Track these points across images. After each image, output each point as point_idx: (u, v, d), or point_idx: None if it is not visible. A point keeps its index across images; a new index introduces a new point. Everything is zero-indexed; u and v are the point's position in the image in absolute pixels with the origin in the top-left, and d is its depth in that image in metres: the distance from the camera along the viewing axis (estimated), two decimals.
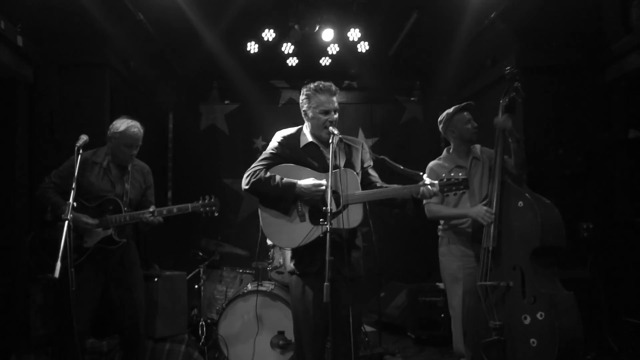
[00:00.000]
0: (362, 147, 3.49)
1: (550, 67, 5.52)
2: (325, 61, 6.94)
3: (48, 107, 5.16)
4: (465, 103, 4.30)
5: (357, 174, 3.34)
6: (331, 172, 3.05)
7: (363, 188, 3.32)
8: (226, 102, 7.58)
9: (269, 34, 6.28)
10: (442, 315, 5.49)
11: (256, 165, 3.35)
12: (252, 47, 6.49)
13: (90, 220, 3.72)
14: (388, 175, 3.56)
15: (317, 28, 6.09)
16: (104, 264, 3.83)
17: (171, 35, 6.08)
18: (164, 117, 7.40)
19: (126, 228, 3.95)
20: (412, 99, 7.77)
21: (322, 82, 3.35)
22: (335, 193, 3.15)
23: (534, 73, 5.43)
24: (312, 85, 3.36)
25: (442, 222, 4.34)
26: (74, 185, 3.21)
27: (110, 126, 3.93)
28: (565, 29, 5.40)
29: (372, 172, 3.50)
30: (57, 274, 2.84)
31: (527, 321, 3.42)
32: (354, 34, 6.31)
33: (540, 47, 5.48)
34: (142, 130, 3.95)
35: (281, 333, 4.63)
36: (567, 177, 5.39)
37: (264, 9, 5.87)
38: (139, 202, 4.02)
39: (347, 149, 3.41)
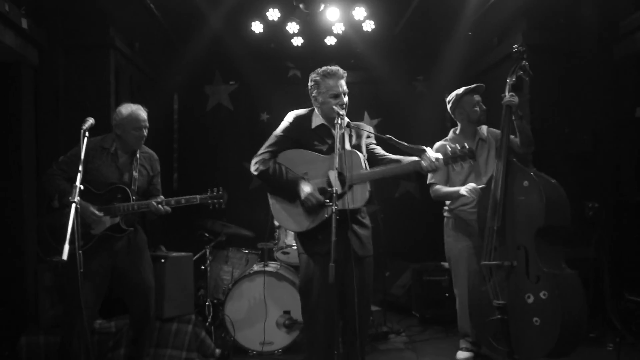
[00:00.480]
0: (369, 131, 3.55)
1: (557, 45, 5.47)
2: (330, 40, 6.89)
3: (53, 90, 5.16)
4: (475, 85, 4.29)
5: (364, 154, 3.39)
6: (337, 153, 3.09)
7: (372, 164, 3.38)
8: (231, 82, 7.56)
9: (273, 14, 6.24)
10: (447, 294, 5.52)
11: (264, 151, 3.42)
12: (257, 26, 6.46)
13: (97, 212, 3.73)
14: (394, 153, 3.55)
15: (322, 7, 6.05)
16: (112, 248, 3.85)
17: (175, 16, 6.06)
18: (168, 98, 7.38)
19: (133, 216, 3.95)
20: (417, 78, 7.71)
21: (330, 67, 3.40)
22: (340, 175, 3.20)
23: (541, 51, 5.37)
24: (320, 70, 3.42)
25: (447, 203, 4.36)
26: (80, 168, 3.21)
27: (114, 115, 3.90)
28: (572, 6, 5.34)
29: (375, 146, 3.55)
30: (65, 256, 2.85)
31: (531, 300, 3.46)
32: (359, 12, 6.27)
33: (547, 25, 5.42)
34: (146, 112, 3.95)
35: (287, 312, 4.69)
36: (573, 155, 5.37)
37: None
38: (146, 190, 4.02)
39: (355, 133, 3.48)
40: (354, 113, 7.05)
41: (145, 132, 3.94)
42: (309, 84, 3.45)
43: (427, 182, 4.32)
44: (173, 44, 6.82)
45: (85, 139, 3.31)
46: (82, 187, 3.15)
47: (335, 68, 3.40)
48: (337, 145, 3.11)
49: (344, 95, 3.38)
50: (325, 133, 3.42)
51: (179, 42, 6.79)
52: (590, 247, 4.80)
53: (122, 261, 3.90)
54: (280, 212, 3.43)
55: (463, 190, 3.99)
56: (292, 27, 6.46)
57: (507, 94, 3.86)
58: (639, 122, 5.13)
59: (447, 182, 4.32)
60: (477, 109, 4.25)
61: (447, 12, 6.05)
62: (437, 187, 4.25)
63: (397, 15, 6.43)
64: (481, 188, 3.91)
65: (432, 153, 3.17)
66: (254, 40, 6.66)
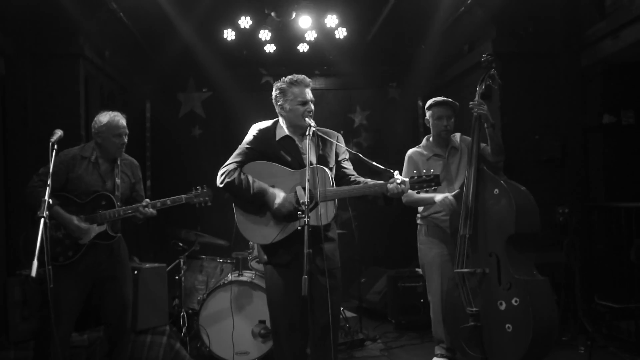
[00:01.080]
0: (337, 139, 3.46)
1: (526, 53, 5.56)
2: (303, 47, 6.91)
3: (21, 99, 5.07)
4: (442, 99, 4.29)
5: (331, 168, 3.36)
6: (308, 166, 3.04)
7: (337, 181, 3.36)
8: (204, 89, 7.52)
9: (245, 21, 6.24)
10: (422, 300, 5.56)
11: (230, 162, 3.38)
12: (229, 34, 6.44)
13: (81, 225, 3.68)
14: (361, 170, 3.56)
15: (294, 15, 6.06)
16: (97, 258, 3.81)
17: (146, 24, 6.01)
18: (141, 106, 7.30)
19: (118, 222, 3.92)
20: (390, 84, 7.78)
21: (296, 75, 3.36)
22: (309, 191, 3.11)
23: (510, 59, 5.46)
24: (285, 79, 3.36)
25: (420, 210, 4.39)
26: (49, 182, 3.16)
27: (93, 123, 3.84)
28: (540, 15, 5.44)
29: (346, 164, 3.50)
30: (34, 272, 2.79)
31: (503, 307, 3.49)
32: (331, 20, 6.30)
33: (516, 33, 5.52)
34: (124, 119, 3.91)
35: (262, 322, 4.65)
36: (544, 162, 5.46)
37: None
38: (129, 196, 3.97)
39: (322, 143, 3.40)
40: (329, 119, 7.09)
41: (126, 139, 3.89)
42: (274, 93, 3.40)
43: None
44: (144, 52, 6.76)
45: (54, 151, 3.27)
46: (55, 206, 3.09)
47: (301, 76, 3.36)
48: (308, 159, 3.07)
49: (312, 103, 3.35)
50: (289, 145, 3.37)
51: (151, 50, 6.74)
52: (561, 252, 4.88)
53: (104, 271, 3.85)
54: (245, 224, 3.37)
55: (438, 198, 4.00)
56: (265, 34, 6.47)
57: (476, 102, 3.90)
58: (606, 128, 5.24)
59: None
60: (441, 122, 4.26)
61: (418, 20, 6.12)
62: (410, 192, 4.25)
63: (369, 22, 6.49)
64: (454, 196, 3.94)
65: (398, 177, 3.15)
66: (226, 48, 6.64)
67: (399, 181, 3.13)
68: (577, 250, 4.91)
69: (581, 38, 5.30)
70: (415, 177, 3.22)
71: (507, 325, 3.46)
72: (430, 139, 4.42)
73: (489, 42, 5.56)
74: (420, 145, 4.45)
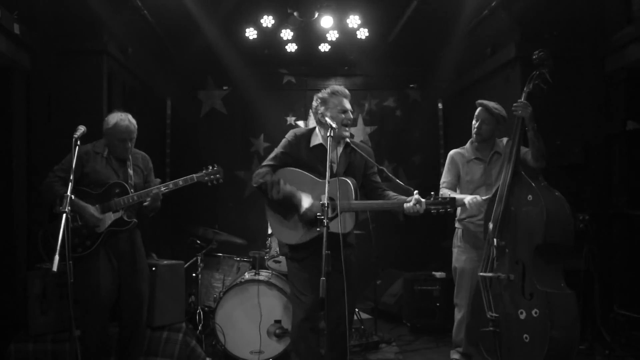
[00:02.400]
0: (368, 152, 3.67)
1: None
2: (324, 47, 6.91)
3: (45, 95, 5.13)
4: (482, 101, 4.24)
5: (358, 180, 3.55)
6: (328, 172, 3.19)
7: (368, 193, 3.62)
8: (224, 87, 7.55)
9: (267, 21, 6.26)
10: (438, 304, 5.54)
11: (264, 165, 3.57)
12: (251, 33, 6.47)
13: (96, 214, 3.79)
14: (385, 183, 3.76)
15: (316, 15, 6.07)
16: (118, 248, 3.92)
17: (169, 22, 6.05)
18: (161, 104, 7.36)
19: (134, 211, 4.00)
20: (411, 86, 7.75)
21: (336, 86, 3.61)
22: (331, 200, 3.29)
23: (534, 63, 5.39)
24: (327, 90, 3.59)
25: (457, 214, 4.34)
26: (71, 177, 3.22)
27: (104, 121, 3.97)
28: (565, 19, 5.36)
29: (375, 178, 3.68)
30: (55, 267, 2.84)
31: (523, 316, 3.45)
32: (353, 20, 6.29)
33: (540, 36, 5.43)
34: (133, 122, 3.98)
35: (278, 322, 4.67)
36: (565, 167, 5.39)
37: None
38: (142, 188, 4.05)
39: (353, 155, 3.59)
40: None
41: (130, 144, 4.00)
42: (314, 103, 3.59)
43: (440, 184, 4.31)
44: (167, 50, 6.81)
45: (77, 147, 3.32)
46: (72, 196, 3.16)
47: (341, 88, 3.60)
48: (328, 163, 3.20)
49: (351, 113, 3.57)
50: (321, 153, 3.45)
51: (173, 48, 6.79)
52: (580, 259, 4.81)
53: (123, 266, 3.95)
54: (275, 223, 3.58)
55: (467, 200, 3.95)
56: (287, 33, 6.48)
57: (520, 103, 3.76)
58: (630, 134, 5.16)
59: (457, 188, 4.30)
60: (475, 124, 4.22)
61: (441, 21, 6.07)
62: (446, 191, 4.22)
63: (391, 23, 6.46)
64: (485, 200, 3.88)
65: (416, 196, 3.28)
66: (248, 47, 6.66)
67: (413, 202, 3.26)
68: (597, 258, 4.85)
69: (606, 43, 5.21)
70: (432, 199, 3.31)
71: (525, 335, 3.42)
72: (474, 141, 4.34)
73: (512, 45, 5.50)
74: (464, 146, 4.39)
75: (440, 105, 7.53)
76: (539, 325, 3.34)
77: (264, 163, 3.59)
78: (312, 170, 3.50)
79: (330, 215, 3.17)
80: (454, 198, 3.32)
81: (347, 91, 3.60)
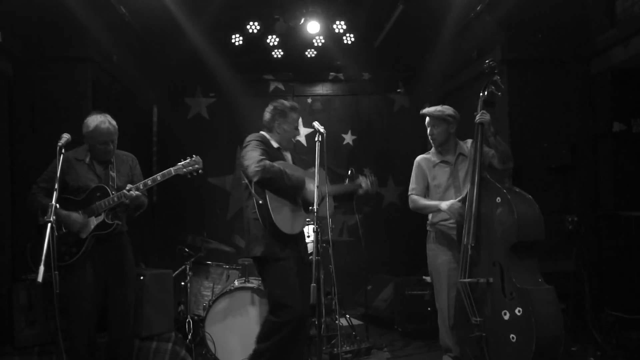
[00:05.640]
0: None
1: (535, 59, 5.52)
2: (310, 53, 6.91)
3: (28, 102, 5.05)
4: (424, 110, 4.39)
5: None
6: (317, 168, 3.45)
7: None
8: (211, 94, 7.51)
9: (253, 27, 6.25)
10: (429, 308, 5.52)
11: (260, 157, 3.72)
12: (237, 39, 6.44)
13: (80, 220, 3.73)
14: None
15: (302, 20, 6.06)
16: (103, 257, 3.84)
17: (154, 29, 6.02)
18: (148, 111, 7.29)
19: (119, 213, 3.93)
20: (398, 90, 7.75)
21: (291, 103, 4.12)
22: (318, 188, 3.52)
23: (520, 66, 5.44)
24: (286, 104, 4.05)
25: (430, 217, 4.35)
26: (56, 186, 3.17)
27: (83, 126, 3.87)
28: (550, 22, 5.40)
29: None
30: (40, 277, 2.80)
31: (507, 317, 3.46)
32: (339, 26, 6.30)
33: (525, 39, 5.47)
34: (113, 123, 3.90)
35: None
36: (552, 170, 5.40)
37: (249, 1, 5.81)
38: None
39: (297, 159, 4.18)
40: (335, 126, 7.11)
41: (112, 146, 3.92)
42: (271, 111, 4.04)
43: (409, 192, 4.34)
44: (152, 57, 6.75)
45: (62, 155, 3.28)
46: (57, 205, 3.11)
47: (296, 104, 4.13)
48: (317, 162, 3.48)
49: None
50: (280, 154, 3.99)
51: (159, 54, 6.73)
52: (570, 261, 4.83)
53: (112, 274, 3.88)
54: (279, 211, 3.74)
55: (443, 206, 3.99)
56: (273, 39, 6.46)
57: (478, 110, 3.90)
58: (616, 136, 5.19)
59: (426, 194, 4.33)
60: (428, 132, 4.31)
61: (427, 26, 6.09)
62: (416, 197, 4.26)
63: (377, 28, 6.46)
64: (460, 203, 3.91)
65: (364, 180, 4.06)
66: (234, 53, 6.63)
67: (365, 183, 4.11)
68: (586, 259, 4.87)
69: (591, 45, 5.26)
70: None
71: (512, 335, 3.43)
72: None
73: (498, 48, 5.53)
74: (429, 151, 4.44)
75: None
76: (523, 323, 3.36)
77: (257, 156, 3.71)
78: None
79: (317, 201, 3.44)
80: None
81: (297, 106, 4.14)
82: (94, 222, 3.77)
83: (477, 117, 3.88)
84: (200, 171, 3.90)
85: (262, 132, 4.03)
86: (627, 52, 4.82)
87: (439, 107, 4.29)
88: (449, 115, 4.24)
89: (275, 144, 4.00)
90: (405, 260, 6.90)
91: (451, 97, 6.88)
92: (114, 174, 3.92)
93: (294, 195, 3.83)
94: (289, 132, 4.03)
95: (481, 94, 3.95)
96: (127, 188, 3.76)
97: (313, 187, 3.46)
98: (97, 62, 5.47)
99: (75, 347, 3.76)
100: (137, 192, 3.77)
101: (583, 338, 4.77)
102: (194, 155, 3.90)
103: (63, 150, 3.35)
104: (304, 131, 7.43)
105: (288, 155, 4.07)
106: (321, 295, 3.18)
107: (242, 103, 7.22)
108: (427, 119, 4.31)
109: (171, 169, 3.84)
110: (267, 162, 3.69)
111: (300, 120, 4.17)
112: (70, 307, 3.73)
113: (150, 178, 3.85)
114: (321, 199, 3.45)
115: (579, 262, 4.82)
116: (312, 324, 3.68)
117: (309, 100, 7.66)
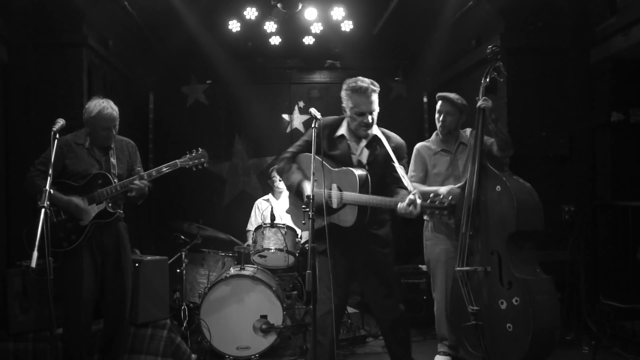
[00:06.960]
0: (397, 145, 3.57)
1: (534, 48, 5.49)
2: (308, 40, 6.85)
3: (23, 88, 5.01)
4: (442, 94, 4.27)
5: (381, 174, 3.47)
6: (313, 158, 3.17)
7: (382, 185, 3.47)
8: (208, 81, 7.45)
9: (251, 12, 6.19)
10: (425, 297, 5.52)
11: (286, 150, 3.63)
12: (234, 25, 6.39)
13: (81, 204, 3.70)
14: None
15: (300, 7, 6.01)
16: (101, 244, 3.83)
17: (151, 14, 5.96)
18: (144, 97, 7.24)
19: (119, 202, 3.92)
20: (396, 78, 7.70)
21: (360, 82, 3.44)
22: (339, 190, 3.36)
23: (518, 54, 5.40)
24: (351, 84, 3.46)
25: None
26: (50, 172, 3.14)
27: (84, 110, 3.84)
28: (550, 10, 5.38)
29: (393, 173, 3.47)
30: (34, 263, 2.77)
31: (504, 306, 3.46)
32: (337, 12, 6.25)
33: (525, 28, 5.45)
34: (115, 109, 3.87)
35: (264, 317, 4.62)
36: (550, 159, 5.40)
37: None
38: (127, 177, 3.95)
39: (378, 148, 3.51)
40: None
41: (114, 131, 3.89)
42: (342, 92, 3.52)
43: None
44: (149, 43, 6.70)
45: (56, 140, 3.25)
46: (52, 191, 3.08)
47: (365, 85, 3.41)
48: (314, 150, 3.16)
49: (370, 113, 3.43)
50: (341, 143, 3.53)
51: (155, 40, 6.68)
52: (566, 250, 4.84)
53: (108, 261, 3.87)
54: (293, 208, 3.69)
55: (442, 190, 3.95)
56: (270, 26, 6.41)
57: (480, 96, 3.86)
58: (614, 125, 5.18)
59: (426, 181, 4.31)
60: (439, 117, 4.25)
61: (426, 14, 6.05)
62: (415, 184, 4.23)
63: (376, 15, 6.42)
64: (459, 190, 3.89)
65: (411, 197, 3.17)
66: (231, 39, 6.58)
67: (407, 202, 3.16)
68: (583, 249, 4.87)
69: (591, 34, 5.22)
70: (429, 202, 3.20)
71: (508, 324, 3.43)
72: (439, 133, 4.37)
73: (497, 36, 5.48)
74: (429, 139, 4.41)
75: (425, 99, 7.51)
76: (521, 313, 3.35)
77: (287, 150, 3.64)
78: (331, 159, 3.47)
79: (335, 206, 3.28)
80: (454, 204, 3.31)
81: (370, 87, 3.43)
82: (95, 209, 3.75)
83: (479, 102, 3.84)
84: (205, 165, 3.91)
85: (342, 117, 3.62)
86: (627, 41, 4.78)
87: (457, 96, 4.24)
88: (465, 106, 4.23)
89: (342, 131, 3.56)
90: (401, 249, 6.87)
91: (449, 85, 6.83)
92: (114, 161, 3.90)
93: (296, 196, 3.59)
94: (352, 119, 3.48)
95: (483, 80, 3.91)
96: (134, 177, 3.77)
97: (308, 191, 3.24)
98: (93, 47, 5.43)
99: (72, 334, 3.75)
100: (145, 182, 3.77)
101: (578, 327, 4.79)
102: (199, 149, 3.91)
103: (57, 136, 3.32)
104: (301, 118, 7.42)
105: (356, 145, 3.54)
106: (316, 283, 3.10)
107: (239, 90, 7.18)
108: (440, 104, 4.24)
109: (177, 161, 3.85)
110: (285, 155, 3.61)
111: (370, 102, 3.46)
112: (68, 294, 3.72)
113: (155, 169, 3.84)
114: (342, 205, 3.32)
115: (575, 251, 4.82)
116: (308, 312, 3.64)
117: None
